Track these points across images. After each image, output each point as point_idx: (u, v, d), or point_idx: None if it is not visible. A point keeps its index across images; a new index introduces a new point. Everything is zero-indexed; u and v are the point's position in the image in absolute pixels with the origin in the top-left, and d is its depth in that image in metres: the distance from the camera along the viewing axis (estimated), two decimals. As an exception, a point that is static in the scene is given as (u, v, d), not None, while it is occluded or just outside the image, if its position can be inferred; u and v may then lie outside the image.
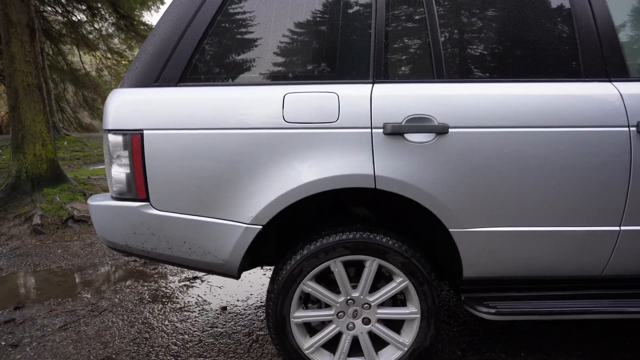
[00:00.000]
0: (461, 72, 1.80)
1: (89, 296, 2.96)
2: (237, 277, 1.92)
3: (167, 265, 3.48)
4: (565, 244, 1.81)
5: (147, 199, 1.76)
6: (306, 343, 1.91)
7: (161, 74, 1.75)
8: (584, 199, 1.76)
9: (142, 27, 12.79)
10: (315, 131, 1.69)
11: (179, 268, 3.41)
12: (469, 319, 2.58)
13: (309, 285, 1.85)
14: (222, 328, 2.52)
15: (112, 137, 1.73)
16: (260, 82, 1.78)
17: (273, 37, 1.81)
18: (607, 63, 1.81)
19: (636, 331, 2.40)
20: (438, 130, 1.69)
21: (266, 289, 3.03)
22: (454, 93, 1.73)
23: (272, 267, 3.43)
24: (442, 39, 1.80)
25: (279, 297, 1.84)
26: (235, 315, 2.67)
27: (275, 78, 1.79)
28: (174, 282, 3.18)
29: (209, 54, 1.79)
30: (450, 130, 1.70)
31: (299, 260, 1.81)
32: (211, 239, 1.78)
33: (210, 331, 2.49)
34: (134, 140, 1.70)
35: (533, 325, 2.49)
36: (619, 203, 1.78)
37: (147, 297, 2.93)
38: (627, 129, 1.74)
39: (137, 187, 1.75)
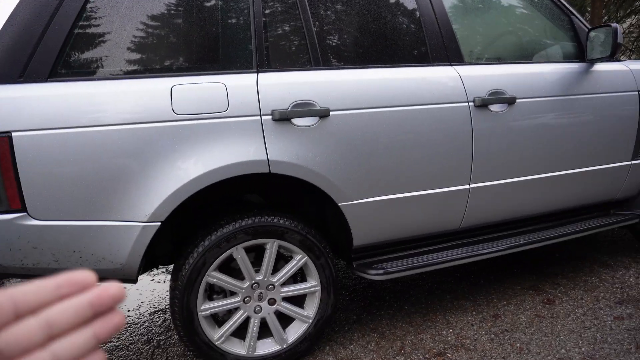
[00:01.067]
0: (336, 59, 1.99)
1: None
2: (136, 280, 1.85)
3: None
4: (430, 204, 2.14)
5: (23, 209, 1.59)
6: (216, 334, 1.94)
7: (26, 68, 1.58)
8: (441, 165, 2.11)
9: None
10: (206, 122, 1.72)
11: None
12: (358, 287, 2.85)
13: (214, 276, 1.87)
14: (117, 341, 2.38)
15: (-30, 144, 1.53)
16: (144, 74, 1.73)
17: (155, 28, 1.78)
18: (447, 50, 2.18)
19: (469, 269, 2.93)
20: (321, 114, 1.85)
21: (157, 294, 2.92)
22: (332, 79, 1.91)
23: (163, 269, 3.30)
24: (316, 29, 1.97)
25: (184, 292, 1.83)
26: (129, 326, 2.53)
27: (160, 70, 1.76)
28: (47, 305, 2.86)
29: (83, 45, 1.67)
30: (331, 113, 1.88)
31: (202, 252, 1.82)
32: (105, 244, 1.69)
33: (104, 347, 2.33)
34: (1, 144, 1.53)
35: (410, 284, 2.86)
36: (467, 165, 2.17)
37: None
38: (466, 103, 2.13)
39: (9, 197, 1.57)
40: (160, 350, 2.27)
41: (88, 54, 1.68)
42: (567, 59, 2.48)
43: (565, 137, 2.36)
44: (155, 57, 1.75)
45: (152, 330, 2.47)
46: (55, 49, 1.61)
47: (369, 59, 2.03)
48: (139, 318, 2.61)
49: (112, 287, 0.31)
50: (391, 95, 1.98)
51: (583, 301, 2.50)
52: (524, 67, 2.31)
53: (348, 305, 2.62)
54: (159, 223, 1.71)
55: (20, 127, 1.54)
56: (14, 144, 1.53)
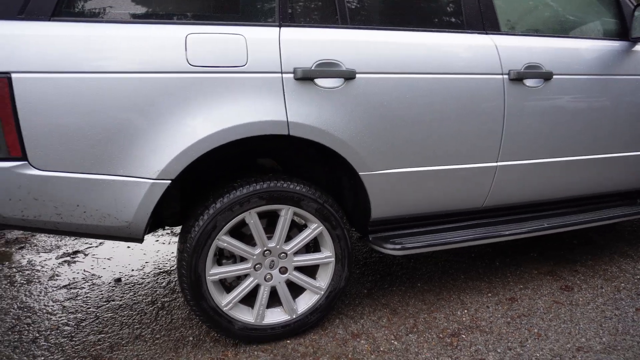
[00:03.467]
0: (365, 19, 1.82)
1: (-62, 287, 2.45)
2: (142, 240, 1.75)
3: (36, 243, 3.03)
4: (455, 180, 2.01)
5: (23, 158, 1.48)
6: (224, 300, 1.85)
7: (27, 4, 1.43)
8: (469, 139, 1.96)
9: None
10: (223, 75, 1.58)
11: (52, 245, 3.00)
12: (370, 261, 2.76)
13: (224, 240, 1.77)
14: (121, 300, 2.31)
15: (-33, 83, 1.40)
16: (158, 20, 1.57)
17: None
18: (483, 17, 1.99)
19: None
20: (346, 76, 1.70)
21: (162, 255, 2.84)
22: (359, 39, 1.75)
23: (166, 231, 3.22)
24: (346, -17, 1.79)
25: (192, 255, 1.74)
26: (133, 286, 2.46)
27: (175, 16, 1.60)
28: (50, 259, 2.80)
29: None
30: (357, 75, 1.73)
31: (213, 214, 1.71)
32: (111, 199, 1.58)
33: (107, 305, 2.26)
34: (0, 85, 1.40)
35: (423, 261, 2.76)
36: (496, 141, 2.02)
37: (19, 279, 2.54)
38: (501, 76, 1.96)
39: (9, 144, 1.45)
40: (165, 312, 2.20)
41: None
42: (608, 36, 2.28)
43: (601, 120, 2.20)
44: (170, 2, 1.59)
45: (156, 291, 2.40)
46: None
47: (400, 21, 1.86)
48: (143, 278, 2.54)
49: None
50: (422, 62, 1.82)
51: (603, 290, 2.40)
52: (562, 41, 2.13)
53: (359, 279, 2.53)
54: (169, 181, 1.59)
55: (21, 69, 1.41)
56: (13, 86, 1.40)
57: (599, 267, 2.65)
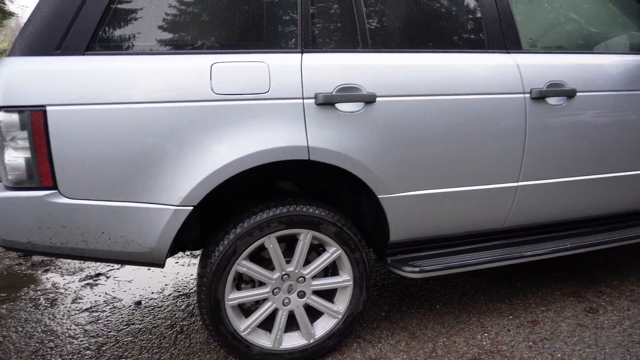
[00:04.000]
0: (385, 42, 1.87)
1: (-35, 311, 2.52)
2: (163, 265, 1.80)
3: (60, 265, 3.10)
4: (475, 201, 2.02)
5: (54, 187, 1.54)
6: (242, 325, 1.87)
7: (64, 40, 1.52)
8: (489, 159, 1.97)
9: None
10: (246, 102, 1.63)
11: (75, 267, 3.07)
12: (387, 282, 2.75)
13: (244, 265, 1.80)
14: (140, 324, 2.35)
15: (4, 116, 1.47)
16: (184, 51, 1.65)
17: (195, 3, 1.68)
18: (505, 36, 2.02)
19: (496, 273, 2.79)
20: (366, 100, 1.74)
21: (181, 277, 2.88)
22: (379, 63, 1.80)
23: (186, 253, 3.27)
24: (366, 9, 1.84)
25: (212, 280, 1.77)
26: (152, 309, 2.49)
27: (200, 47, 1.67)
28: (73, 282, 2.86)
29: (122, 18, 1.60)
30: (377, 99, 1.76)
31: (233, 239, 1.75)
32: (135, 226, 1.63)
33: (127, 329, 2.30)
34: (34, 118, 1.47)
35: (442, 282, 2.75)
36: (517, 161, 2.03)
37: (43, 302, 2.59)
38: (522, 95, 1.98)
39: (41, 174, 1.52)
40: (184, 336, 2.22)
41: (126, 28, 1.61)
42: (635, 50, 2.28)
43: (627, 137, 2.18)
44: (195, 33, 1.66)
45: (175, 314, 2.43)
46: (94, 22, 1.54)
47: (420, 43, 1.90)
48: (162, 301, 2.58)
49: None
50: (442, 83, 1.85)
51: (630, 312, 2.35)
52: (586, 57, 2.13)
53: (377, 301, 2.53)
54: (191, 207, 1.64)
55: (55, 102, 1.48)
56: (48, 119, 1.48)
57: (625, 287, 2.60)
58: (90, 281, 2.86)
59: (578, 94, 2.04)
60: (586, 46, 2.23)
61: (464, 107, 1.87)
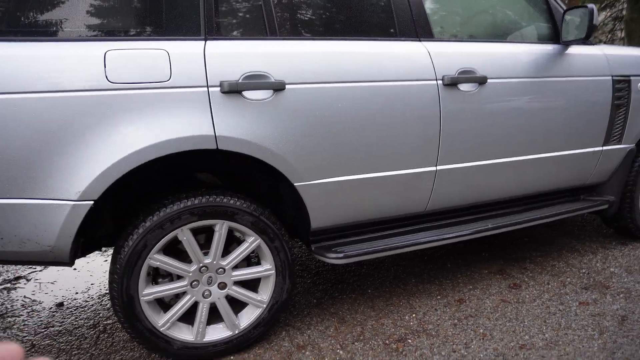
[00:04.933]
0: (294, 29, 1.83)
1: None
2: (71, 263, 1.71)
3: (-22, 270, 2.92)
4: (394, 187, 2.03)
5: None
6: (160, 320, 1.81)
7: None
8: (406, 145, 1.99)
9: None
10: (145, 92, 1.55)
11: (-5, 270, 2.89)
12: (321, 269, 2.75)
13: (156, 259, 1.74)
14: (60, 326, 2.24)
15: None
16: (77, 37, 1.54)
17: None
18: (416, 25, 2.03)
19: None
20: (275, 87, 1.70)
21: (106, 276, 2.77)
22: (288, 50, 1.76)
23: (100, 249, 3.14)
24: (272, -6, 1.79)
25: (123, 276, 1.70)
26: (75, 310, 2.38)
27: (94, 34, 1.57)
28: (-10, 287, 2.69)
29: (11, 4, 1.47)
30: (286, 86, 1.73)
31: (142, 233, 1.68)
32: (29, 224, 1.53)
33: (45, 332, 2.18)
34: None
35: (375, 267, 2.78)
36: (434, 146, 2.05)
37: (-47, 310, 2.43)
38: (435, 82, 2.00)
39: None
40: (106, 335, 2.14)
41: (15, 12, 1.48)
42: (541, 40, 2.36)
43: (537, 120, 2.27)
44: (89, 19, 1.56)
45: (99, 314, 2.34)
46: None
47: (331, 31, 1.88)
48: (86, 301, 2.47)
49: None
50: (353, 70, 1.84)
51: (549, 286, 2.46)
52: (496, 46, 2.19)
53: (309, 289, 2.52)
54: (92, 202, 1.55)
55: None
56: None
57: (547, 263, 2.72)
58: (8, 285, 2.70)
59: (489, 80, 2.09)
60: (497, 35, 2.29)
61: (377, 93, 1.87)
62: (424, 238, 2.14)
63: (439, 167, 2.10)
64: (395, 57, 1.94)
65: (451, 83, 2.00)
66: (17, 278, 2.79)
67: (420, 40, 2.03)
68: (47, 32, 1.53)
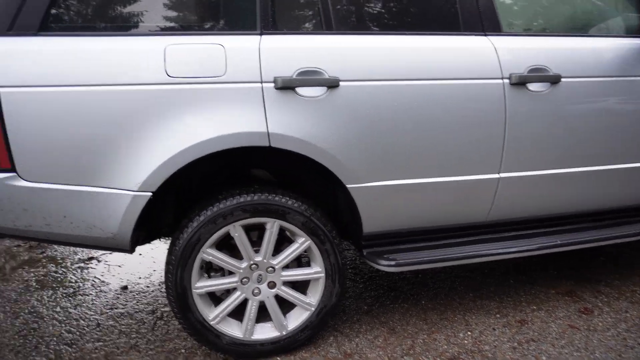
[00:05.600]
0: (350, 23, 1.78)
1: (-38, 290, 2.60)
2: (131, 251, 1.78)
3: (56, 248, 3.17)
4: (452, 193, 1.91)
5: (12, 169, 1.54)
6: (211, 313, 1.84)
7: (15, 20, 1.50)
8: (466, 149, 1.86)
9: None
10: (202, 86, 1.58)
11: (72, 249, 3.13)
12: (374, 275, 2.68)
13: (209, 253, 1.76)
14: (123, 308, 2.36)
15: (-42, 99, 1.47)
16: (138, 32, 1.61)
17: None
18: (482, 17, 1.89)
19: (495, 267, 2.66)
20: (329, 84, 1.66)
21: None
22: (343, 45, 1.71)
23: (160, 238, 3.27)
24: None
25: (177, 268, 1.74)
26: (137, 294, 2.51)
27: (154, 28, 1.63)
28: (65, 265, 2.91)
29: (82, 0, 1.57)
30: (341, 83, 1.68)
31: (196, 227, 1.71)
32: (95, 211, 1.62)
33: (110, 313, 2.32)
34: (-13, 100, 1.46)
35: (431, 276, 2.65)
36: (497, 151, 1.91)
37: (34, 284, 2.65)
38: (501, 80, 1.85)
39: (-1, 157, 1.52)
40: (163, 322, 2.22)
41: (80, 7, 1.58)
42: (630, 33, 2.10)
43: (619, 126, 2.02)
44: (150, 14, 1.62)
45: (158, 300, 2.44)
46: (45, 1, 1.51)
47: (389, 25, 1.81)
48: (147, 287, 2.59)
49: None
50: (412, 67, 1.75)
51: (627, 314, 2.20)
52: (574, 40, 1.98)
53: (361, 294, 2.46)
54: (150, 193, 1.61)
55: (8, 83, 1.47)
56: (1, 100, 1.47)
57: (626, 288, 2.45)
58: (82, 264, 2.91)
59: (563, 79, 1.90)
60: (576, 29, 2.08)
61: (436, 92, 1.77)
62: (485, 250, 2.00)
63: (502, 175, 1.95)
64: (457, 54, 1.82)
65: (519, 82, 1.85)
66: (90, 259, 3.00)
67: (485, 35, 1.89)
68: (113, 27, 1.61)
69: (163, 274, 2.75)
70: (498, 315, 2.22)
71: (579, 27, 2.09)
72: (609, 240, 2.13)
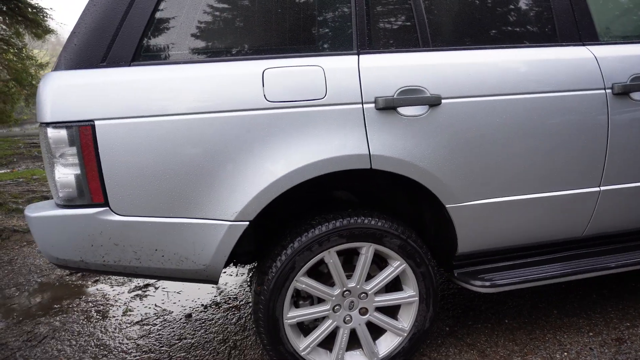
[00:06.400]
0: (448, 39, 1.70)
1: (20, 324, 2.52)
2: (217, 282, 1.70)
3: (109, 276, 3.09)
4: (552, 208, 1.82)
5: (105, 204, 1.46)
6: (301, 344, 1.75)
7: (109, 52, 1.44)
8: (567, 163, 1.77)
9: (30, 10, 11.29)
10: (302, 110, 1.51)
11: (124, 277, 3.05)
12: (447, 294, 2.57)
13: (302, 282, 1.68)
14: (192, 338, 2.27)
15: (52, 132, 1.41)
16: (233, 57, 1.54)
17: (244, 5, 1.58)
18: (579, 27, 1.81)
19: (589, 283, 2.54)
20: (431, 102, 1.58)
21: (230, 288, 2.80)
22: (443, 62, 1.64)
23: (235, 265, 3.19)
24: (425, 3, 1.68)
25: (270, 298, 1.65)
26: (203, 323, 2.42)
27: (249, 52, 1.56)
28: (123, 293, 2.83)
29: (167, 25, 1.51)
30: (443, 101, 1.60)
31: (291, 254, 1.63)
32: (189, 243, 1.54)
33: (180, 344, 2.23)
34: (83, 133, 1.40)
35: (507, 294, 2.54)
36: (599, 164, 1.81)
37: (94, 314, 2.57)
38: (603, 91, 1.76)
39: (92, 190, 1.45)
40: (238, 352, 2.13)
41: (172, 36, 1.52)
42: None
43: None
44: (244, 38, 1.56)
45: (227, 328, 2.35)
46: (138, 31, 1.46)
47: (486, 39, 1.72)
48: (213, 314, 2.50)
49: None
50: (512, 82, 1.67)
51: None
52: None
53: (439, 314, 2.35)
54: (247, 223, 1.53)
55: (103, 116, 1.41)
56: (96, 133, 1.40)
57: None
58: (139, 292, 2.83)
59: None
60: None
61: (537, 107, 1.68)
62: (581, 267, 1.89)
63: (602, 188, 1.85)
64: (557, 65, 1.73)
65: (622, 92, 1.76)
66: (146, 285, 2.91)
67: (584, 44, 1.81)
68: (208, 54, 1.54)
69: (226, 299, 2.66)
70: (591, 334, 2.10)
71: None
72: None
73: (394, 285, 1.87)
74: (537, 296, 2.46)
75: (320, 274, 1.79)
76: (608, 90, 1.77)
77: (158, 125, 1.44)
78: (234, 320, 2.42)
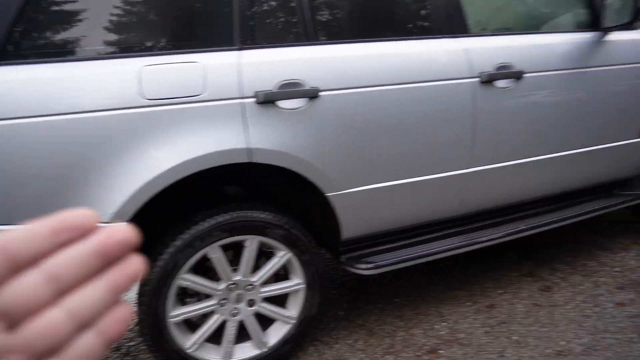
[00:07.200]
0: (327, 33, 1.97)
1: None
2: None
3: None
4: (428, 191, 2.20)
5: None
6: (188, 341, 1.96)
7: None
8: (440, 148, 2.15)
9: None
10: (181, 107, 1.69)
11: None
12: (346, 279, 2.93)
13: (186, 279, 1.88)
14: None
15: None
16: (108, 55, 1.67)
17: (123, 0, 1.70)
18: (451, 21, 2.17)
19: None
20: (309, 94, 1.84)
21: (129, 296, 2.90)
22: (322, 55, 1.90)
23: None
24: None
25: (152, 298, 1.84)
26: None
27: (126, 49, 1.70)
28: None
29: (38, 21, 1.58)
30: (320, 93, 1.87)
31: (173, 252, 1.82)
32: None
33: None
34: None
35: (399, 274, 2.96)
36: (468, 147, 2.22)
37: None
38: (470, 80, 2.15)
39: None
40: (130, 358, 2.28)
41: (45, 32, 1.60)
42: (580, 28, 2.52)
43: (574, 114, 2.44)
44: (122, 35, 1.69)
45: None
46: (3, 28, 1.51)
47: (363, 33, 2.02)
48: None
49: (118, 230, 0.29)
50: (387, 73, 1.99)
51: (582, 287, 2.66)
52: (532, 38, 2.35)
53: (336, 300, 2.69)
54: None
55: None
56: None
57: (578, 262, 2.93)
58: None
59: (525, 75, 2.25)
60: (533, 26, 2.46)
61: (411, 96, 2.03)
62: (456, 243, 2.32)
63: (471, 169, 2.27)
64: (429, 57, 2.09)
65: (488, 80, 2.16)
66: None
67: (455, 37, 2.17)
68: (84, 51, 1.65)
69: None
70: (469, 303, 2.58)
71: (535, 25, 2.49)
72: (567, 221, 2.57)
73: (286, 275, 2.15)
74: (425, 275, 2.91)
75: (209, 269, 2.01)
76: (476, 79, 2.16)
77: (23, 127, 1.52)
78: (129, 325, 2.55)
